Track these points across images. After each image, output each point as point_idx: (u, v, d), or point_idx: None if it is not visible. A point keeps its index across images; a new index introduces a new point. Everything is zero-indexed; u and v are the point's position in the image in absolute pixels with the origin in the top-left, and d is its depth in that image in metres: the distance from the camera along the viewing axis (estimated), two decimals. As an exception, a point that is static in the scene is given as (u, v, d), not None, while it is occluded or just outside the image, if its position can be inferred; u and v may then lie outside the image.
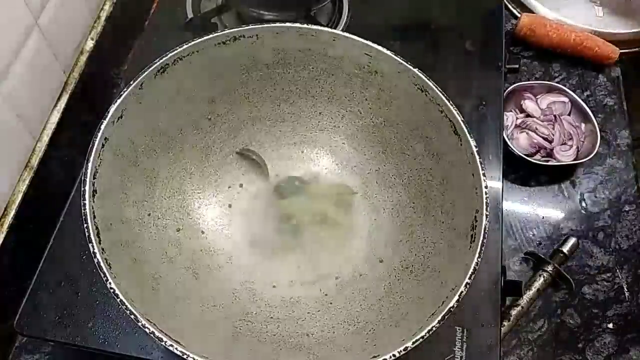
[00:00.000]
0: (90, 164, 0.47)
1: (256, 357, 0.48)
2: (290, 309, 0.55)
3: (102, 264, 0.43)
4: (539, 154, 0.75)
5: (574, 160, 0.73)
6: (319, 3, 0.73)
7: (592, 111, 0.76)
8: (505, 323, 0.63)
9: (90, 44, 0.71)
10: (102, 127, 0.48)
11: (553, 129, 0.75)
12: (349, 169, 0.63)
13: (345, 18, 0.77)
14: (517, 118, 0.77)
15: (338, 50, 0.56)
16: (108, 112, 0.49)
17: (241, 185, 0.62)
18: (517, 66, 0.76)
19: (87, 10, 0.71)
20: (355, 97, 0.60)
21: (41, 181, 0.62)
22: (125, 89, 0.51)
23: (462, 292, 0.44)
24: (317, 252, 0.59)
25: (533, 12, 0.87)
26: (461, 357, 0.54)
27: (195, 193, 0.59)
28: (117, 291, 0.42)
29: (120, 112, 0.50)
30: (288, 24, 0.56)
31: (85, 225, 0.44)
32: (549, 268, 0.66)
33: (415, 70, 0.54)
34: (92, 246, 0.44)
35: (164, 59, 0.52)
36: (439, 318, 0.43)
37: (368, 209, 0.61)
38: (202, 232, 0.58)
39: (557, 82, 0.81)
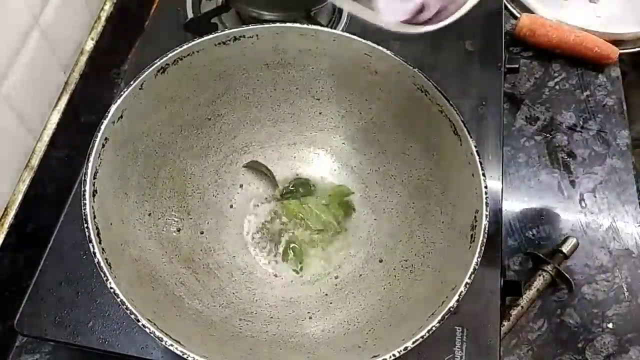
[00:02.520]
0: (90, 164, 0.47)
1: (256, 357, 0.48)
2: (290, 309, 0.55)
3: (102, 264, 0.43)
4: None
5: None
6: (319, 3, 0.73)
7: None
8: (505, 323, 0.63)
9: (90, 44, 0.71)
10: (103, 127, 0.49)
11: None
12: (349, 169, 0.63)
13: (345, 18, 0.77)
14: None
15: (338, 50, 0.56)
16: (108, 112, 0.49)
17: (241, 186, 0.62)
18: (517, 66, 0.76)
19: (87, 10, 0.71)
20: (355, 97, 0.60)
21: (41, 181, 0.62)
22: (125, 89, 0.51)
23: (462, 291, 0.44)
24: (317, 252, 0.59)
25: (533, 13, 0.87)
26: (461, 357, 0.54)
27: (195, 193, 0.59)
28: (117, 291, 0.42)
29: (121, 112, 0.50)
30: (288, 24, 0.56)
31: (85, 225, 0.44)
32: (549, 268, 0.66)
33: (415, 70, 0.54)
34: (92, 246, 0.44)
35: (164, 59, 0.52)
36: (439, 318, 0.43)
37: (368, 209, 0.61)
38: (202, 232, 0.58)
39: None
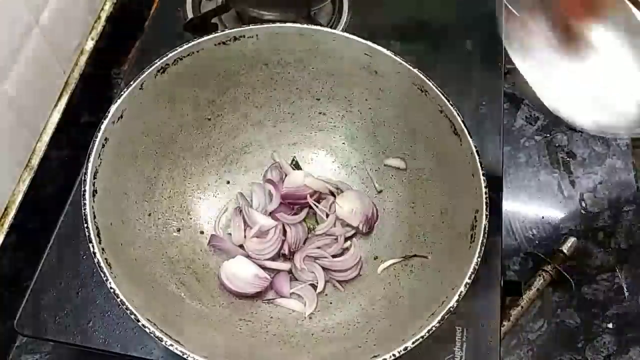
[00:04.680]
0: (90, 164, 0.47)
1: (256, 357, 0.48)
2: (290, 309, 0.55)
3: (102, 264, 0.43)
4: None
5: None
6: (319, 3, 0.73)
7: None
8: (505, 323, 0.63)
9: (90, 44, 0.71)
10: (103, 127, 0.48)
11: None
12: (349, 168, 0.63)
13: (345, 18, 0.77)
14: None
15: (338, 50, 0.56)
16: (108, 112, 0.49)
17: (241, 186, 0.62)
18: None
19: (87, 10, 0.71)
20: (355, 97, 0.60)
21: (41, 181, 0.62)
22: (125, 89, 0.51)
23: (462, 292, 0.44)
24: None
25: (533, 12, 0.87)
26: (461, 357, 0.54)
27: (195, 193, 0.59)
28: (117, 291, 0.42)
29: (121, 112, 0.50)
30: (288, 24, 0.56)
31: (85, 225, 0.44)
32: (549, 268, 0.66)
33: (415, 70, 0.54)
34: (92, 246, 0.44)
35: (164, 59, 0.52)
36: (439, 318, 0.43)
37: (368, 209, 0.61)
38: (202, 232, 0.58)
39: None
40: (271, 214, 0.59)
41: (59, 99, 0.67)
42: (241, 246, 0.57)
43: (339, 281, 0.56)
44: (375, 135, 0.61)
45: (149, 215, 0.54)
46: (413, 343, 0.42)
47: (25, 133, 0.61)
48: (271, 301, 0.55)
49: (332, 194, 0.60)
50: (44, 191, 0.63)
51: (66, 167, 0.66)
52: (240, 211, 0.59)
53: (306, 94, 0.61)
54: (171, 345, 0.41)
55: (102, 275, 0.43)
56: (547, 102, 0.47)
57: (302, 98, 0.61)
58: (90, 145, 0.48)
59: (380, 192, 0.61)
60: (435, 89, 0.53)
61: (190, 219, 0.58)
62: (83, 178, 0.46)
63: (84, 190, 0.46)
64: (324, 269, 0.56)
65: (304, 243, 0.58)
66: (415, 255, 0.54)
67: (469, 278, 0.45)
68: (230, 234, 0.58)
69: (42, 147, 0.63)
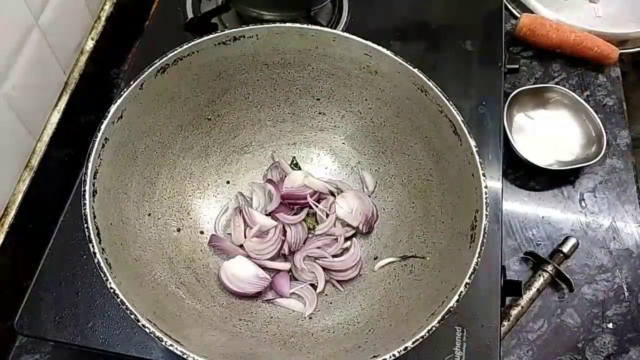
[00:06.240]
0: (90, 164, 0.47)
1: (256, 357, 0.48)
2: (290, 309, 0.55)
3: (102, 264, 0.43)
4: None
5: (576, 164, 0.73)
6: (319, 3, 0.73)
7: (593, 110, 0.75)
8: (505, 323, 0.63)
9: (90, 44, 0.71)
10: (102, 127, 0.49)
11: None
12: (349, 169, 0.63)
13: (345, 18, 0.77)
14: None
15: (338, 50, 0.56)
16: (108, 112, 0.49)
17: (241, 186, 0.62)
18: (517, 66, 0.76)
19: (87, 10, 0.71)
20: (355, 97, 0.60)
21: (41, 181, 0.62)
22: (125, 89, 0.51)
23: (461, 292, 0.44)
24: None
25: (533, 13, 0.87)
26: (461, 357, 0.54)
27: (195, 193, 0.59)
28: (117, 291, 0.42)
29: (121, 112, 0.50)
30: (288, 24, 0.56)
31: (85, 225, 0.44)
32: (549, 268, 0.66)
33: (415, 70, 0.54)
34: (92, 246, 0.44)
35: (164, 59, 0.52)
36: (439, 318, 0.43)
37: (368, 209, 0.61)
38: (202, 232, 0.58)
39: (557, 83, 0.82)
40: (271, 214, 0.59)
41: (59, 99, 0.67)
42: (241, 246, 0.57)
43: (339, 281, 0.56)
44: (375, 135, 0.61)
45: (149, 215, 0.54)
46: (413, 343, 0.42)
47: (25, 133, 0.61)
48: (271, 301, 0.55)
49: (332, 194, 0.60)
50: (44, 191, 0.63)
51: (66, 167, 0.66)
52: (240, 211, 0.59)
53: (306, 94, 0.61)
54: (171, 345, 0.41)
55: (102, 275, 0.43)
56: None
57: (302, 98, 0.61)
58: (90, 145, 0.48)
59: (371, 194, 0.60)
60: (435, 89, 0.53)
61: (190, 219, 0.58)
62: (83, 178, 0.46)
63: (84, 190, 0.46)
64: (324, 269, 0.56)
65: (304, 243, 0.58)
66: (413, 256, 0.54)
67: (469, 278, 0.45)
68: (230, 234, 0.58)
69: (42, 147, 0.63)
